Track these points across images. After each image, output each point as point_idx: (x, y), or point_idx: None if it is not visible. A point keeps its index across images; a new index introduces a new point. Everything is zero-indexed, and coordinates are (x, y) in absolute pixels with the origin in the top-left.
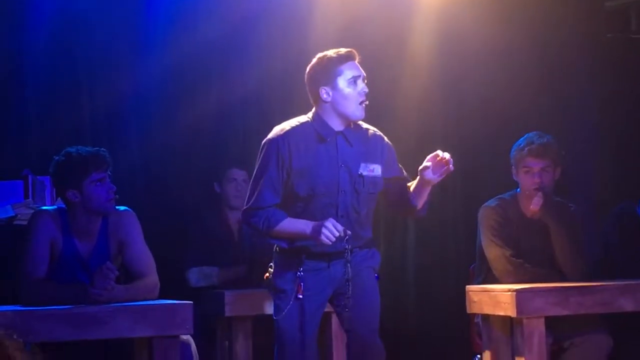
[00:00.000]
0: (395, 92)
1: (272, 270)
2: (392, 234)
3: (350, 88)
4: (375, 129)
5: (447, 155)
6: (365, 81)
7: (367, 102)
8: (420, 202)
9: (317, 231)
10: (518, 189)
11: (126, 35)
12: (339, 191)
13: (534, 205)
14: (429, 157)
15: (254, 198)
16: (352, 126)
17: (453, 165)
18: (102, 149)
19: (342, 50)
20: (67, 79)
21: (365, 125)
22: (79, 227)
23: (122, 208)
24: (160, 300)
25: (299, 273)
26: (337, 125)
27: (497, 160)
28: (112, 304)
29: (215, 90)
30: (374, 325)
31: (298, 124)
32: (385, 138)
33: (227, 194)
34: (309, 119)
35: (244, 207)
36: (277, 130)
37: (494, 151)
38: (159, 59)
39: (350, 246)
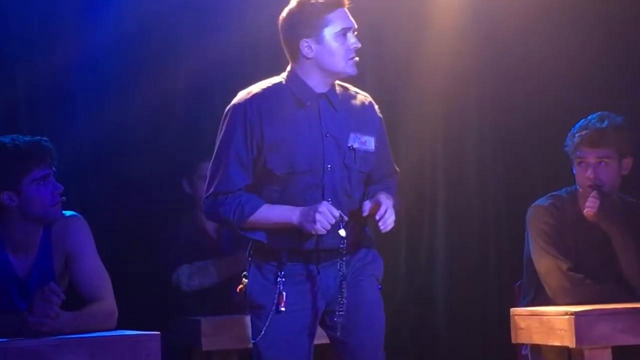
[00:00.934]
0: (416, 68)
1: (246, 280)
2: (416, 238)
3: (338, 42)
4: (367, 95)
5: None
6: (356, 33)
7: (357, 59)
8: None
9: (307, 218)
10: (576, 185)
11: None
12: (324, 168)
13: (588, 208)
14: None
15: (217, 180)
16: (337, 88)
17: (384, 226)
18: (44, 138)
19: None
20: None
21: (353, 88)
22: (14, 238)
23: (68, 213)
24: (119, 331)
25: (279, 279)
26: (319, 86)
27: (550, 146)
28: (58, 336)
29: (186, 61)
30: (379, 358)
31: (269, 85)
32: (377, 107)
33: (199, 194)
34: (282, 80)
35: (206, 194)
36: (242, 94)
37: (546, 135)
38: (115, 22)
39: (344, 244)
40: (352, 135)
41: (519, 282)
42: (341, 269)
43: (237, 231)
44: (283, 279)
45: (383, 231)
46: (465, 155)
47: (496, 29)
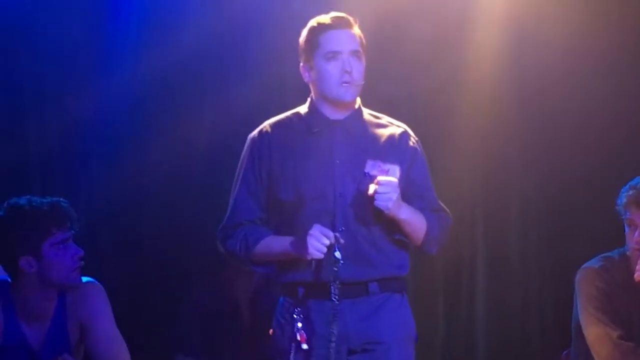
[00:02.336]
0: (451, 108)
1: (274, 323)
2: (453, 300)
3: (327, 66)
4: (403, 126)
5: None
6: (357, 56)
7: (357, 83)
8: (409, 238)
9: (300, 244)
10: (627, 248)
11: (86, 46)
12: (335, 195)
13: (637, 276)
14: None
15: (227, 213)
16: (364, 116)
17: (376, 197)
18: (62, 199)
19: (326, 16)
20: (7, 102)
21: (387, 118)
22: (28, 307)
23: (84, 279)
24: None
25: (295, 316)
26: (333, 113)
27: (602, 200)
28: None
29: (208, 111)
30: None
31: (287, 115)
32: (414, 139)
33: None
34: (301, 110)
35: (219, 228)
36: (261, 125)
37: (598, 186)
38: (130, 76)
39: (338, 268)
40: (370, 162)
41: (566, 351)
42: (335, 295)
43: (249, 266)
44: (301, 316)
45: (375, 205)
46: (507, 212)
47: (540, 66)
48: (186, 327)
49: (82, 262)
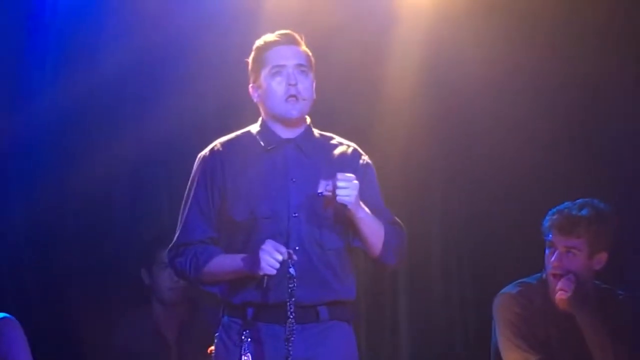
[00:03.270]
0: (370, 128)
1: (218, 342)
2: (377, 326)
3: (273, 81)
4: (353, 145)
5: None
6: (302, 70)
7: (303, 97)
8: (368, 244)
9: (252, 261)
10: (545, 271)
11: (1, 78)
12: (289, 215)
13: (560, 292)
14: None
15: (178, 232)
16: (314, 135)
17: (337, 193)
18: None
19: (272, 34)
20: None
21: (338, 138)
22: None
23: (0, 315)
24: None
25: (243, 337)
26: (284, 131)
27: (520, 228)
28: None
29: (128, 143)
30: None
31: (240, 133)
32: (365, 157)
33: (159, 285)
34: (253, 128)
35: (169, 247)
36: (213, 143)
37: (518, 215)
38: (48, 105)
39: (294, 285)
40: (323, 182)
41: None
42: (291, 313)
43: (198, 286)
44: (248, 339)
45: (338, 200)
46: (429, 238)
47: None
48: None
49: None
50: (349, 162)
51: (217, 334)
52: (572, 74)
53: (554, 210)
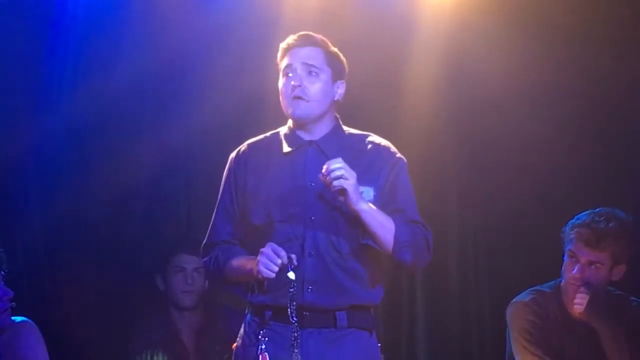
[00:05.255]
0: (389, 131)
1: (239, 340)
2: (393, 337)
3: (282, 82)
4: (385, 143)
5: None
6: (310, 71)
7: (304, 99)
8: (377, 239)
9: (253, 264)
10: (562, 279)
11: (21, 86)
12: (306, 218)
13: (577, 305)
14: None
15: (208, 232)
16: (340, 135)
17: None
18: None
19: (293, 35)
20: None
21: (372, 137)
22: None
23: (18, 319)
24: None
25: (260, 337)
26: (305, 133)
27: (538, 234)
28: None
29: (145, 153)
30: None
31: (269, 134)
32: (397, 156)
33: (174, 290)
34: (282, 129)
35: (202, 245)
36: (242, 145)
37: (536, 221)
38: (67, 114)
39: (294, 289)
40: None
41: None
42: (293, 317)
43: (222, 286)
44: (265, 338)
45: (334, 186)
46: (446, 243)
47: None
48: None
49: (13, 304)
50: (375, 162)
51: (240, 331)
52: (593, 80)
53: (579, 221)
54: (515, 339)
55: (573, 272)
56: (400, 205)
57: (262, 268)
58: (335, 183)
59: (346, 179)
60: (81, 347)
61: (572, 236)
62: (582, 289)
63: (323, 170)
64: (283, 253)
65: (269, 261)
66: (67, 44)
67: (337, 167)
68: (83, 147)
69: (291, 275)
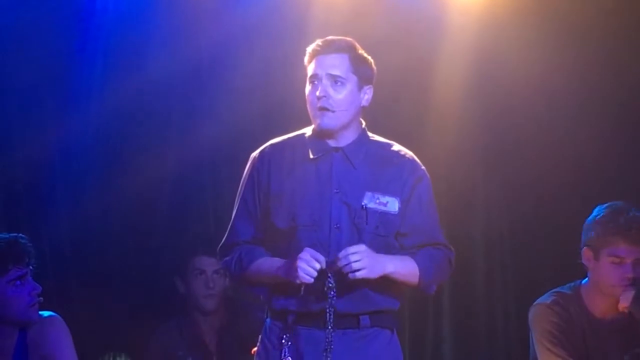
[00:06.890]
0: (416, 137)
1: (260, 345)
2: (419, 340)
3: (308, 91)
4: (410, 155)
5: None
6: (335, 81)
7: (330, 109)
8: (405, 284)
9: (290, 268)
10: (584, 280)
11: (51, 85)
12: (331, 226)
13: (623, 301)
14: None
15: (227, 232)
16: (366, 142)
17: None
18: (21, 235)
19: (319, 40)
20: None
21: (396, 146)
22: None
23: (46, 314)
24: None
25: (284, 340)
26: (332, 140)
27: (565, 236)
28: None
29: (171, 153)
30: None
31: (293, 135)
32: (421, 170)
33: (195, 293)
34: (307, 132)
35: (220, 245)
36: (265, 144)
37: (562, 222)
38: (96, 112)
39: (334, 294)
40: (368, 193)
41: None
42: (330, 323)
43: (243, 287)
44: (289, 342)
45: (351, 277)
46: (471, 246)
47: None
48: None
49: (41, 298)
50: (400, 173)
51: (260, 336)
52: (625, 84)
53: (611, 217)
54: (539, 341)
55: (624, 273)
56: (425, 226)
57: (302, 273)
58: (351, 275)
59: (363, 268)
60: (107, 343)
61: (613, 236)
62: (628, 288)
63: (339, 256)
64: (322, 258)
65: (308, 266)
66: (96, 45)
67: (354, 260)
68: (111, 147)
69: (331, 281)
